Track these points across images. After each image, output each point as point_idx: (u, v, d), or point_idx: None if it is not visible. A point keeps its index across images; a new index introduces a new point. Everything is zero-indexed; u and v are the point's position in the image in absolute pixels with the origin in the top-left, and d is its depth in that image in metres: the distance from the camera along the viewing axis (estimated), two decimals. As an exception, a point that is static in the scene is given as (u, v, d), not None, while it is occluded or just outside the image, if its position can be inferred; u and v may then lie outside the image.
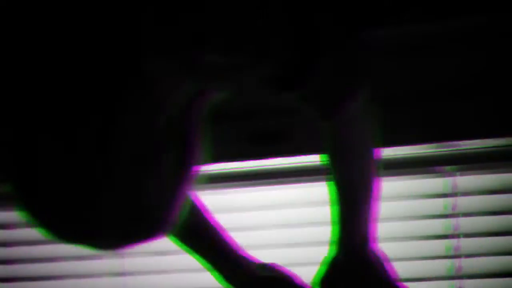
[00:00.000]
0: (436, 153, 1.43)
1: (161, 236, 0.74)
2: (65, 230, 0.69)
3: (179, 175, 0.72)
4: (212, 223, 1.24)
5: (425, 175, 1.45)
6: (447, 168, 1.43)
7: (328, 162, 1.12)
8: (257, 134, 1.42)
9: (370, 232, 1.15)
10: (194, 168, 0.73)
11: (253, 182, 1.53)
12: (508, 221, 1.40)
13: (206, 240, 1.23)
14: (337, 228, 1.16)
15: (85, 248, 0.72)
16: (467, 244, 1.42)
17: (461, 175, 1.43)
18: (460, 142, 1.40)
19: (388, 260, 1.18)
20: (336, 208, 1.15)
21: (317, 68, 0.85)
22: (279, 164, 1.50)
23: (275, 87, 0.82)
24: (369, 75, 1.03)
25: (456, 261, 1.42)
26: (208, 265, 1.23)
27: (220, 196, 1.54)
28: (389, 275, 1.17)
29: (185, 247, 1.24)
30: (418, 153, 1.44)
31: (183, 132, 0.72)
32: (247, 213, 1.55)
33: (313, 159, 1.42)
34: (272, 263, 1.25)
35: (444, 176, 1.43)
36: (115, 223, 0.69)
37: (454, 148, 1.42)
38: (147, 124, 0.67)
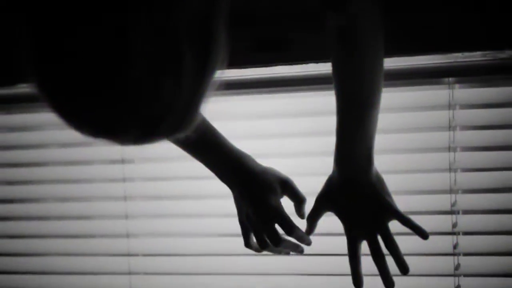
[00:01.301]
0: (435, 64, 1.39)
1: (176, 136, 0.73)
2: (83, 114, 0.68)
3: (201, 77, 0.69)
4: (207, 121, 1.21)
5: (422, 86, 1.41)
6: (446, 80, 1.39)
7: (333, 67, 1.08)
8: (260, 41, 1.37)
9: (372, 151, 1.12)
10: (215, 72, 0.71)
11: (255, 90, 1.50)
12: (506, 134, 1.38)
13: (204, 137, 1.20)
14: (337, 143, 1.13)
15: (99, 139, 0.70)
16: (463, 157, 1.40)
17: (460, 87, 1.40)
18: (460, 54, 1.36)
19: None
20: (338, 121, 1.11)
21: None
22: (282, 73, 1.46)
23: None
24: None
25: (452, 175, 1.40)
26: (205, 163, 1.21)
27: (219, 104, 1.51)
28: (390, 198, 1.15)
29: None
30: (416, 64, 1.40)
31: (206, 33, 0.69)
32: (249, 121, 1.52)
33: (317, 68, 1.39)
34: (271, 167, 1.22)
35: (442, 89, 1.40)
36: (129, 114, 0.67)
37: (454, 60, 1.38)
38: (168, 17, 0.65)
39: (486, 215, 1.40)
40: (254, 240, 1.21)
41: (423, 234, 1.14)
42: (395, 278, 1.18)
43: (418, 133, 1.42)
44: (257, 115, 1.51)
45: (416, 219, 1.18)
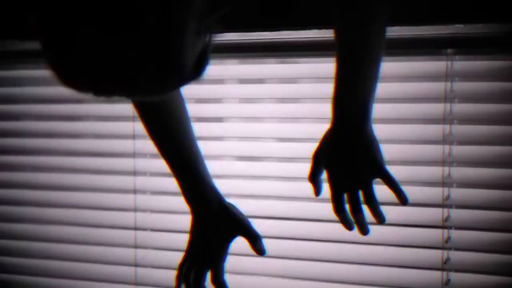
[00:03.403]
0: (434, 35, 1.38)
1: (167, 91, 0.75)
2: (78, 69, 0.71)
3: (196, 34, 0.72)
4: (188, 124, 1.25)
5: (422, 57, 1.41)
6: (447, 51, 1.38)
7: (337, 31, 1.08)
8: (266, 4, 1.37)
9: (369, 109, 1.12)
10: (212, 33, 0.74)
11: (258, 54, 1.51)
12: (504, 108, 1.37)
13: (177, 138, 1.23)
14: (334, 97, 1.13)
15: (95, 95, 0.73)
16: (459, 130, 1.40)
17: (459, 59, 1.39)
18: (461, 26, 1.35)
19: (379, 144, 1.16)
20: (337, 76, 1.11)
21: None
22: (285, 37, 1.47)
23: None
24: None
25: (446, 147, 1.39)
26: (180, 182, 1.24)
27: (224, 67, 1.54)
28: (380, 157, 1.14)
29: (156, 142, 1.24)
30: (415, 34, 1.39)
31: None
32: (252, 85, 1.54)
33: (320, 34, 1.40)
34: (232, 204, 1.24)
35: (441, 60, 1.39)
36: (123, 63, 0.69)
37: (454, 31, 1.37)
38: None
39: (478, 189, 1.40)
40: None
41: (404, 200, 1.13)
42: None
43: (415, 104, 1.42)
44: (258, 79, 1.53)
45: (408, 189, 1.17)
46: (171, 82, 0.74)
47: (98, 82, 0.71)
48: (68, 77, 0.72)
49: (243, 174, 1.55)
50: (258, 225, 1.47)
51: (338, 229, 1.18)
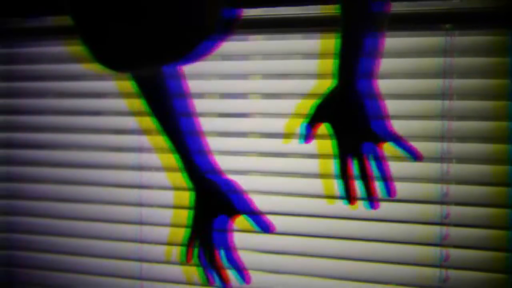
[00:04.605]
0: (433, 10, 1.38)
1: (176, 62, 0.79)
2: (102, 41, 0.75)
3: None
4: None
5: (421, 32, 1.40)
6: (445, 26, 1.38)
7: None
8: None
9: (373, 69, 1.14)
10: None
11: (283, 29, 1.51)
12: (503, 83, 1.37)
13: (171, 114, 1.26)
14: (339, 57, 1.15)
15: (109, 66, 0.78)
16: (458, 105, 1.39)
17: (458, 34, 1.38)
18: (459, 1, 1.36)
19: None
20: (341, 37, 1.14)
21: None
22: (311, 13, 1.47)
23: None
24: None
25: (445, 123, 1.39)
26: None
27: (248, 43, 1.54)
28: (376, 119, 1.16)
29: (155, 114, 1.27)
30: (414, 9, 1.39)
31: None
32: (277, 61, 1.54)
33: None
34: (214, 181, 1.25)
35: (440, 35, 1.38)
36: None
37: (453, 6, 1.37)
38: None
39: (477, 165, 1.40)
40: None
41: (418, 155, 1.16)
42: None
43: (413, 79, 1.42)
44: (281, 55, 1.53)
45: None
46: (195, 45, 0.77)
47: (132, 62, 0.75)
48: (106, 60, 0.76)
49: (268, 151, 1.54)
50: (281, 203, 1.50)
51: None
